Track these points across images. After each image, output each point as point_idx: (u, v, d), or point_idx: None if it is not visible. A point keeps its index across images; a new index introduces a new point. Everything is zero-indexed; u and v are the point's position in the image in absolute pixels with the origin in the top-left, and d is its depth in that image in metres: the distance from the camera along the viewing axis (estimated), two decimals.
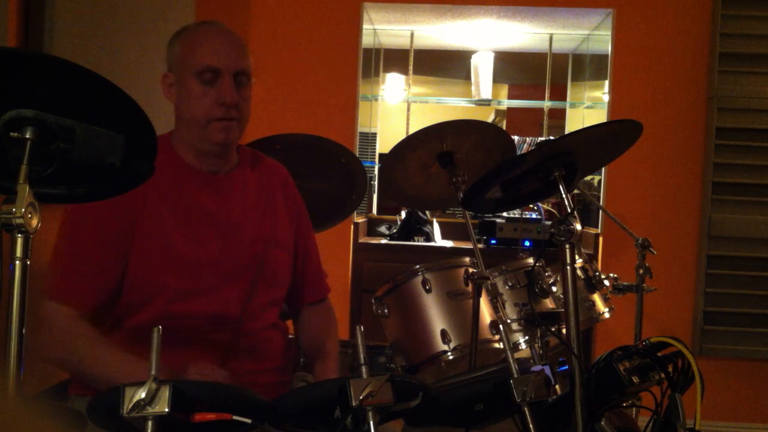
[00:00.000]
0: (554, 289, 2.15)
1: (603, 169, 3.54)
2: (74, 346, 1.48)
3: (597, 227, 3.66)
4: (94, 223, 1.50)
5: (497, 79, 4.58)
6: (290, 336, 1.85)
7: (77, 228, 1.52)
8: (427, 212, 4.05)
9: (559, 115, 4.56)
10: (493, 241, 3.65)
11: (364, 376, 1.11)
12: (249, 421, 1.11)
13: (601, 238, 3.56)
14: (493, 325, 2.02)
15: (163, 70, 1.62)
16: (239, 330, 1.57)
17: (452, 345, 1.99)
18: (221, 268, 1.57)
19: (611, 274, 2.37)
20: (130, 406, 1.01)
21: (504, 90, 4.97)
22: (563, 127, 4.55)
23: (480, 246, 2.14)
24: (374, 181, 4.25)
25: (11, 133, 0.97)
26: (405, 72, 4.49)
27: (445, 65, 4.83)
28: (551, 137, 4.25)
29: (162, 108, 1.63)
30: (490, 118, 4.96)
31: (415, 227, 3.89)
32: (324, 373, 1.63)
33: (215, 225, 1.59)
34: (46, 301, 1.47)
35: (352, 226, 3.62)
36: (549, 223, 2.50)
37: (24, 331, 0.98)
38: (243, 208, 1.64)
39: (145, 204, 1.52)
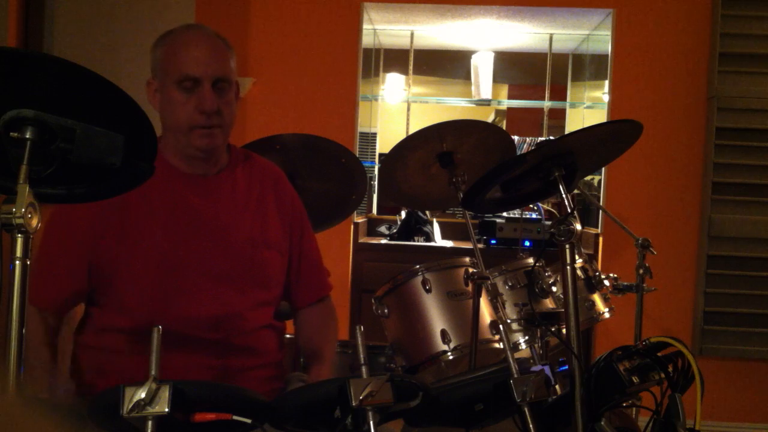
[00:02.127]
0: (554, 289, 2.15)
1: (603, 169, 3.54)
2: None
3: (597, 227, 3.66)
4: (63, 223, 1.52)
5: (497, 79, 4.58)
6: (289, 335, 1.84)
7: (48, 229, 1.54)
8: (427, 212, 4.05)
9: (559, 115, 4.55)
10: (493, 241, 3.65)
11: (364, 376, 1.11)
12: (249, 421, 1.11)
13: (601, 238, 3.56)
14: (493, 325, 2.02)
15: (149, 76, 1.63)
16: (231, 331, 1.57)
17: (452, 345, 1.99)
18: (209, 270, 1.57)
19: (611, 274, 2.37)
20: (130, 406, 1.02)
21: (504, 90, 4.97)
22: (563, 127, 4.55)
23: (480, 246, 2.14)
24: (374, 181, 4.25)
25: (11, 133, 0.97)
26: (405, 72, 4.49)
27: (445, 65, 4.83)
28: (551, 137, 4.25)
29: None
30: (490, 118, 4.96)
31: (415, 227, 3.88)
32: (318, 378, 1.63)
33: (203, 226, 1.59)
34: None
35: (352, 226, 3.62)
36: (549, 223, 2.50)
37: (24, 331, 0.98)
38: (232, 209, 1.64)
39: (129, 207, 1.53)
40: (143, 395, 1.02)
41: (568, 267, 1.42)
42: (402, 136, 2.35)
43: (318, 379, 1.62)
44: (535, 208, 3.59)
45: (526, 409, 1.26)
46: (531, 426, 1.25)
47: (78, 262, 1.53)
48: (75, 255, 1.53)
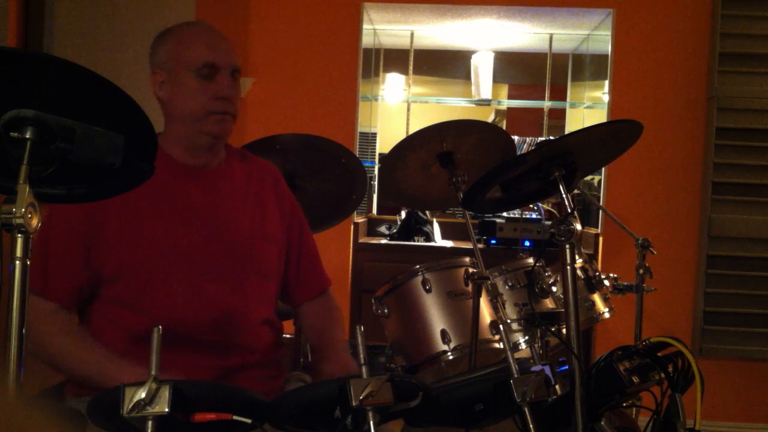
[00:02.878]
0: (554, 289, 2.15)
1: (603, 169, 3.54)
2: (52, 340, 1.50)
3: (597, 227, 3.66)
4: (61, 219, 1.52)
5: (497, 79, 4.58)
6: (288, 335, 1.84)
7: (48, 225, 1.53)
8: (427, 212, 4.05)
9: (559, 115, 4.55)
10: (493, 241, 3.65)
11: (364, 376, 1.11)
12: (249, 421, 1.11)
13: (601, 238, 3.56)
14: (493, 325, 2.02)
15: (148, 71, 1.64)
16: (229, 326, 1.57)
17: (452, 345, 1.99)
18: (209, 262, 1.58)
19: (611, 274, 2.38)
20: (130, 406, 1.01)
21: (504, 90, 4.97)
22: (563, 127, 4.55)
23: (480, 246, 2.14)
24: (374, 181, 4.25)
25: (11, 133, 0.97)
26: (405, 72, 4.49)
27: (445, 65, 4.83)
28: (551, 137, 4.25)
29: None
30: (490, 118, 4.96)
31: (415, 227, 3.88)
32: (337, 367, 1.63)
33: (203, 219, 1.60)
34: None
35: (352, 226, 3.62)
36: (549, 223, 2.50)
37: (24, 331, 0.98)
38: (231, 202, 1.66)
39: (129, 201, 1.52)
40: (143, 395, 1.02)
41: (568, 267, 1.42)
42: (402, 136, 2.35)
43: (339, 365, 1.63)
44: (535, 208, 3.59)
45: (526, 409, 1.26)
46: (531, 426, 1.25)
47: (85, 252, 1.52)
48: (82, 246, 1.52)
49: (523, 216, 3.80)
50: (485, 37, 4.33)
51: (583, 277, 2.29)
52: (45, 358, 1.51)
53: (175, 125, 1.62)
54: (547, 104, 4.47)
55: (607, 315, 2.31)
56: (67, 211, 1.52)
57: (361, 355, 1.13)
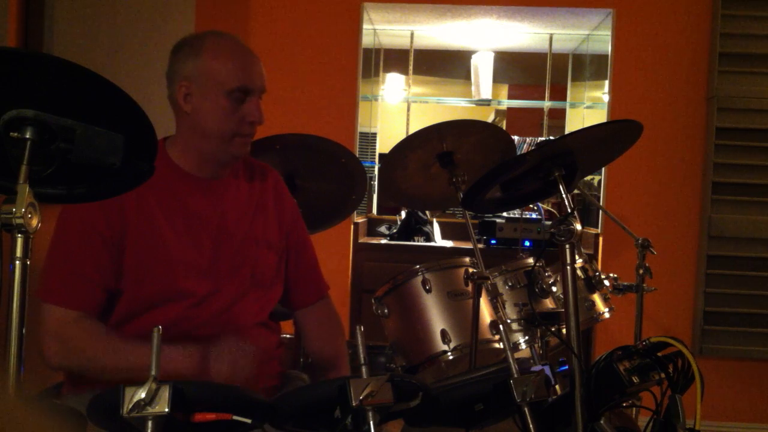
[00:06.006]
0: (554, 289, 2.15)
1: (603, 169, 3.54)
2: (88, 349, 1.49)
3: (597, 227, 3.66)
4: (85, 225, 1.51)
5: (497, 79, 4.58)
6: (288, 335, 1.85)
7: (68, 231, 1.53)
8: (427, 212, 4.05)
9: (559, 115, 4.55)
10: (493, 241, 3.65)
11: (364, 376, 1.11)
12: (249, 421, 1.11)
13: (601, 238, 3.56)
14: (493, 325, 2.02)
15: (164, 72, 1.61)
16: (228, 329, 1.57)
17: (452, 345, 1.99)
18: (214, 271, 1.58)
19: (611, 274, 2.37)
20: (130, 406, 1.01)
21: (504, 90, 4.97)
22: (563, 127, 4.55)
23: (480, 246, 2.14)
24: (374, 181, 4.25)
25: (11, 133, 0.97)
26: (405, 72, 4.48)
27: (445, 65, 4.83)
28: (551, 137, 4.25)
29: (162, 108, 1.63)
30: (490, 118, 4.96)
31: (415, 227, 3.88)
32: None
33: (207, 228, 1.60)
34: (49, 306, 1.48)
35: (352, 226, 3.62)
36: (549, 223, 2.50)
37: (24, 331, 0.98)
38: (235, 211, 1.65)
39: (136, 207, 1.53)
40: (143, 395, 1.02)
41: (568, 267, 1.42)
42: (402, 136, 2.34)
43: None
44: (535, 208, 3.59)
45: (526, 409, 1.26)
46: (531, 426, 1.25)
47: (108, 257, 1.51)
48: (104, 251, 1.51)
49: (523, 216, 3.79)
50: (485, 37, 4.32)
51: (583, 277, 2.28)
52: (81, 367, 1.51)
53: (196, 139, 1.60)
54: (547, 104, 4.47)
55: (607, 315, 2.31)
56: (85, 213, 1.51)
57: (361, 355, 1.13)
